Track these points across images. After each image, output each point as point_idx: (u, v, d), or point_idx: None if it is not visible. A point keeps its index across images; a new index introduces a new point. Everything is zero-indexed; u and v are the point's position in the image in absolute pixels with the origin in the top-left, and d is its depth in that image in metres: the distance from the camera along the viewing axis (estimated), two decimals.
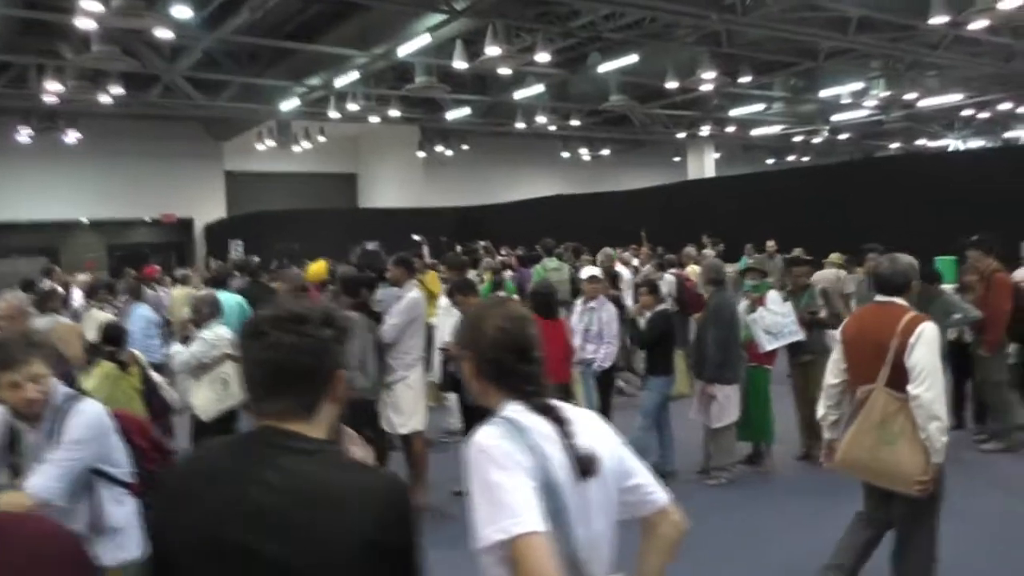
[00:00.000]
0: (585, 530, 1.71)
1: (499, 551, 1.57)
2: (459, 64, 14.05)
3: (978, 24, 12.38)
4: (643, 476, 1.91)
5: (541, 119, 22.51)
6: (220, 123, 24.16)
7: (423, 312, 5.80)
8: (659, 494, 1.93)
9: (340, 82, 16.86)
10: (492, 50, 13.18)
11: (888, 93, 19.78)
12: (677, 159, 31.07)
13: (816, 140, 29.10)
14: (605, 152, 30.66)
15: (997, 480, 6.19)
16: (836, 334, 7.15)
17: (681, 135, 27.15)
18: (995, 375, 6.91)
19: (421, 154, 27.61)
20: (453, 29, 13.54)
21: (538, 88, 19.09)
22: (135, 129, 22.91)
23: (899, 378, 3.45)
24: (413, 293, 5.77)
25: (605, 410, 6.56)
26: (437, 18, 12.96)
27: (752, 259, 6.78)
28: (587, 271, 6.65)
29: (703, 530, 5.56)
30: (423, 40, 13.60)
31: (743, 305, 6.55)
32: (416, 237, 12.59)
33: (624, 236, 14.98)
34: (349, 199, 31.31)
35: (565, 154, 30.38)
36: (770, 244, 12.75)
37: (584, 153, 30.27)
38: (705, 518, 5.64)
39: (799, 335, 6.58)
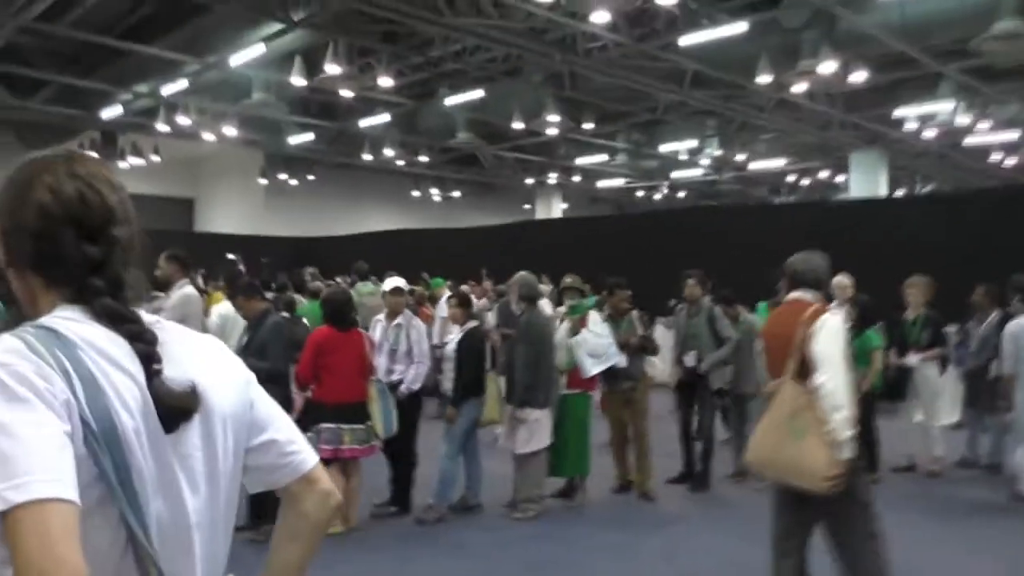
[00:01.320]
0: (169, 505, 1.12)
1: None
2: (297, 80, 13.40)
3: (798, 87, 13.08)
4: (283, 429, 1.35)
5: (389, 152, 22.03)
6: (34, 130, 22.00)
7: (197, 310, 5.14)
8: (304, 455, 1.37)
9: (168, 90, 15.68)
10: (332, 68, 12.62)
11: (720, 152, 20.79)
12: (527, 206, 31.41)
13: (657, 196, 30.26)
14: (456, 194, 30.51)
15: None
16: (656, 360, 7.10)
17: (530, 181, 27.45)
18: None
19: (263, 180, 26.36)
20: (292, 42, 12.90)
21: (384, 117, 18.62)
22: None
23: (806, 371, 3.40)
24: (185, 290, 5.09)
25: (410, 435, 6.01)
26: (275, 27, 12.28)
27: (570, 278, 6.43)
28: (390, 282, 6.13)
29: (503, 561, 5.13)
30: (257, 50, 12.84)
31: (564, 328, 6.23)
32: (231, 256, 11.69)
33: (465, 272, 14.67)
34: (186, 224, 29.72)
35: (416, 193, 30.02)
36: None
37: (435, 193, 30.01)
38: (508, 552, 5.18)
39: (620, 358, 6.34)
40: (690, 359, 6.77)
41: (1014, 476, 6.46)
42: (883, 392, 7.31)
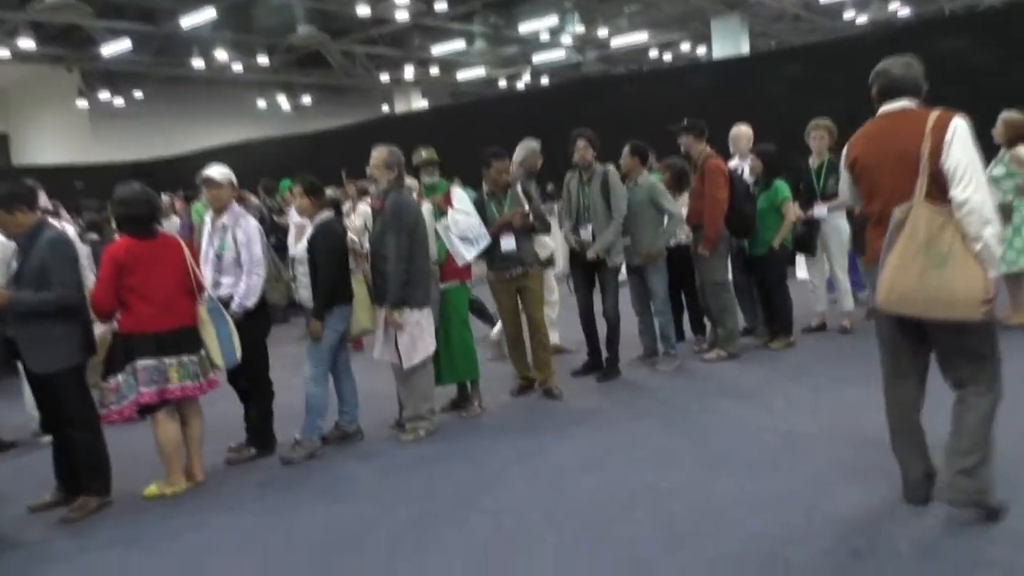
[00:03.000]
0: None
1: None
2: None
3: None
4: None
5: (222, 55, 19.70)
6: None
7: None
8: None
9: None
10: None
11: (582, 29, 19.73)
12: (385, 108, 29.53)
13: (520, 85, 29.03)
14: (306, 100, 28.27)
15: (725, 389, 5.43)
16: (547, 240, 6.15)
17: (385, 79, 25.58)
18: (716, 276, 6.24)
19: (83, 103, 23.37)
20: None
21: (210, 13, 16.38)
22: None
23: (938, 187, 2.97)
24: None
25: (259, 362, 4.87)
26: None
27: (425, 151, 5.32)
28: (205, 172, 4.80)
29: (397, 494, 4.19)
30: None
31: (426, 211, 5.15)
32: (29, 182, 9.82)
33: (325, 176, 13.23)
34: (3, 162, 26.47)
35: (262, 103, 27.65)
36: None
37: (283, 101, 27.67)
38: (400, 483, 4.22)
39: (508, 241, 5.39)
40: (586, 232, 5.88)
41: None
42: (793, 249, 6.70)
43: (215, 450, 4.90)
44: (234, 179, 4.82)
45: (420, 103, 28.43)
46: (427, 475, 4.24)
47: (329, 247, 4.74)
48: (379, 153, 4.97)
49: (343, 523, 3.74)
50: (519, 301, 5.67)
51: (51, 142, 26.09)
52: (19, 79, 25.28)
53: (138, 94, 24.40)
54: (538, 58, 24.89)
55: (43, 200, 9.32)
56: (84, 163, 22.01)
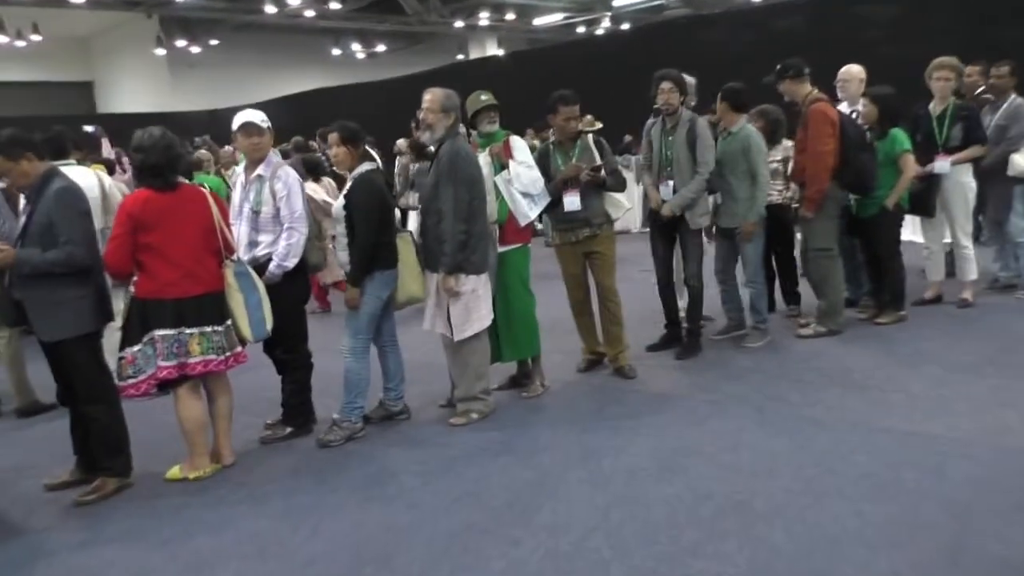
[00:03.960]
0: None
1: None
2: None
3: None
4: None
5: (294, 1, 19.25)
6: None
7: None
8: None
9: None
10: None
11: None
12: (460, 57, 28.71)
13: (599, 32, 27.74)
14: (381, 48, 27.69)
15: (829, 375, 4.67)
16: (621, 199, 5.42)
17: (459, 25, 24.75)
18: (820, 240, 5.42)
19: (160, 51, 23.37)
20: None
21: None
22: None
23: None
24: None
25: (296, 330, 4.35)
26: None
27: (485, 94, 4.61)
28: (240, 116, 4.23)
29: (439, 498, 3.64)
30: None
31: (483, 162, 4.49)
32: (89, 128, 9.59)
33: (396, 130, 12.70)
34: (88, 109, 27.32)
35: (336, 51, 27.20)
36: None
37: (358, 50, 27.20)
38: (445, 479, 3.66)
39: (571, 198, 4.72)
40: (667, 189, 5.14)
41: None
42: (909, 209, 5.79)
43: (253, 423, 4.46)
44: (271, 125, 4.25)
45: (495, 52, 27.52)
46: (475, 475, 3.65)
47: (369, 203, 4.14)
48: (433, 96, 4.32)
49: (373, 532, 3.18)
50: (587, 266, 5.00)
51: (132, 90, 26.39)
52: (101, 27, 25.52)
53: (213, 42, 24.28)
54: (618, 1, 23.62)
55: (106, 149, 9.09)
56: (165, 111, 22.11)
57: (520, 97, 8.69)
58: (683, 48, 12.63)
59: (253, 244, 4.18)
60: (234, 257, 4.00)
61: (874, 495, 3.08)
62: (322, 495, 3.59)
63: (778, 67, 5.39)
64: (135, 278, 3.79)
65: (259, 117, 4.19)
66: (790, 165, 5.68)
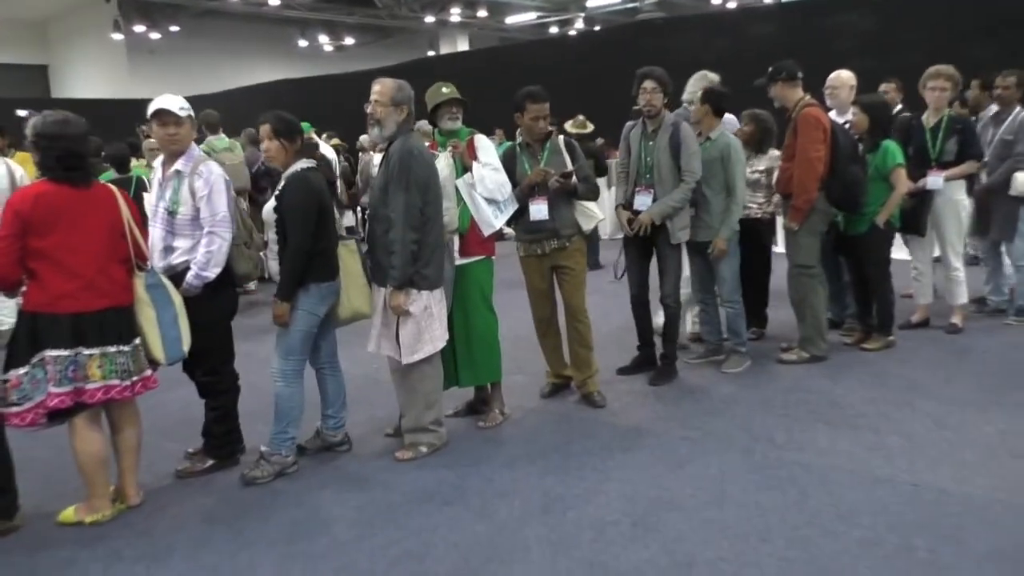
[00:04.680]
0: None
1: None
2: None
3: None
4: None
5: None
6: None
7: None
8: None
9: None
10: None
11: None
12: (431, 53, 28.12)
13: (572, 32, 27.35)
14: (349, 41, 27.01)
15: (817, 409, 4.24)
16: (593, 208, 4.95)
17: (430, 20, 24.18)
18: (802, 257, 5.00)
19: (118, 36, 22.47)
20: None
21: None
22: None
23: None
24: None
25: (220, 350, 3.80)
26: None
27: (447, 87, 4.08)
28: (157, 102, 3.65)
29: (375, 555, 3.11)
30: None
31: (443, 164, 3.98)
32: (21, 113, 9.00)
33: (361, 125, 12.21)
34: (42, 92, 26.38)
35: (303, 42, 26.46)
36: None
37: (325, 42, 26.48)
38: (385, 531, 3.15)
39: (516, 203, 4.23)
40: (642, 200, 4.67)
41: None
42: (900, 228, 5.40)
43: (174, 451, 3.92)
44: (193, 114, 3.69)
45: (466, 48, 27.00)
46: (419, 527, 3.14)
47: (305, 204, 3.62)
48: (383, 86, 3.79)
49: None
50: (554, 281, 4.52)
51: (88, 75, 25.44)
52: (57, 9, 24.55)
53: (174, 28, 23.43)
54: (592, 2, 23.25)
55: None
56: (121, 98, 21.21)
57: (491, 96, 8.23)
58: (658, 51, 12.23)
59: (168, 250, 3.62)
60: (146, 266, 3.45)
61: (883, 569, 2.64)
62: (234, 551, 3.04)
63: (770, 69, 4.97)
64: (23, 288, 3.23)
65: (177, 104, 3.61)
66: (774, 176, 5.26)
